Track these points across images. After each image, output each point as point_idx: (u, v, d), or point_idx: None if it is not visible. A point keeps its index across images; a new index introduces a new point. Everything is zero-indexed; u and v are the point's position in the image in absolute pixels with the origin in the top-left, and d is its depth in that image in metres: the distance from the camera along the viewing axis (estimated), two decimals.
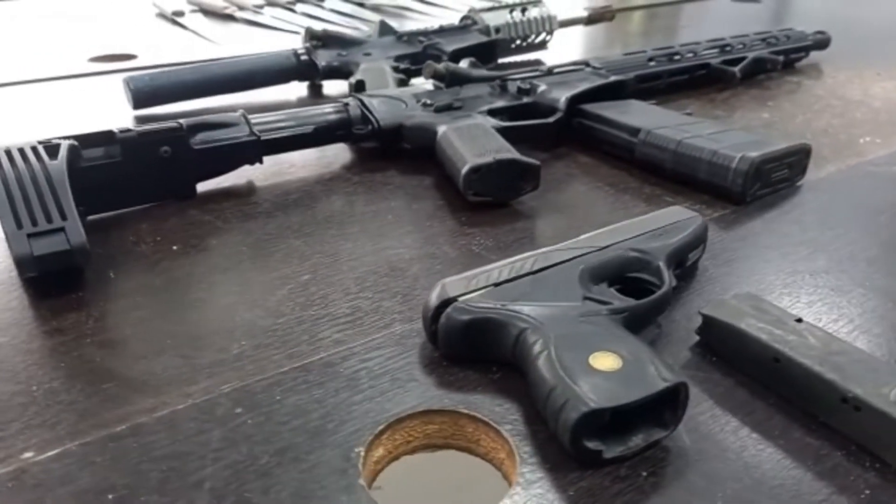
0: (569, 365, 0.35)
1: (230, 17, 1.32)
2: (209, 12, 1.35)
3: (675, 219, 0.50)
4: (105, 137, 0.57)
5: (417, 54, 0.94)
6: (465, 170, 0.59)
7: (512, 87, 0.76)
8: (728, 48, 0.96)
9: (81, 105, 0.87)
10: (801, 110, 0.86)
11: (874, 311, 0.47)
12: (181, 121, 0.60)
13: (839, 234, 0.56)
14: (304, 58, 0.91)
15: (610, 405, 0.33)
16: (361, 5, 1.37)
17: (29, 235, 0.46)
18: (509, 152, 0.61)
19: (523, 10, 1.05)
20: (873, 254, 0.53)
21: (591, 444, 0.34)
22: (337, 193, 0.64)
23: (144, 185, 0.60)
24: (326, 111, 0.68)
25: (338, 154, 0.72)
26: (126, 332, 0.44)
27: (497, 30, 1.02)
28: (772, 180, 0.63)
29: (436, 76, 0.74)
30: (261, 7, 1.36)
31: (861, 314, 0.46)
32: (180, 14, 1.33)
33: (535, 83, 0.76)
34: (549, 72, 0.79)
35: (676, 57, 0.91)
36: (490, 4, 1.12)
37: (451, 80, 0.75)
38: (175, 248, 0.54)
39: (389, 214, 0.60)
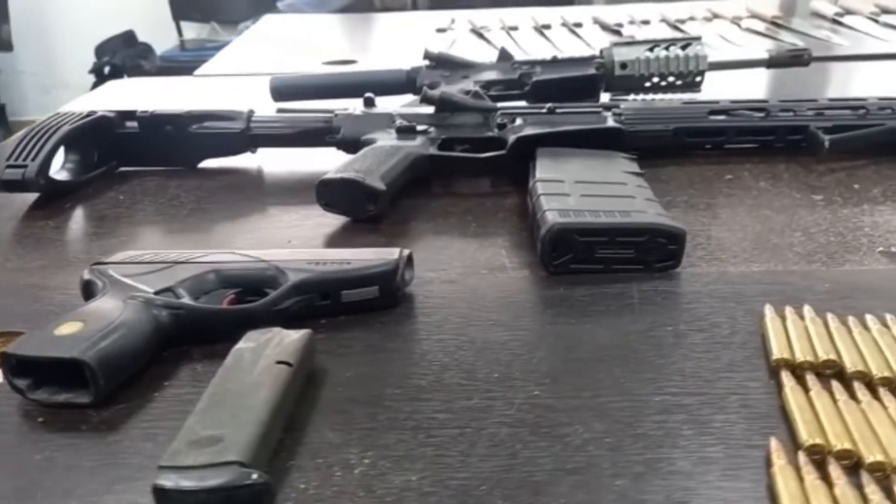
0: (52, 323, 0.45)
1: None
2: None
3: (365, 257, 0.52)
4: (131, 114, 0.80)
5: (512, 81, 0.97)
6: (318, 181, 0.66)
7: (494, 120, 0.77)
8: (862, 111, 0.77)
9: None
10: (865, 201, 0.66)
11: None
12: (185, 110, 0.80)
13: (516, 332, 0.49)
14: (412, 76, 1.02)
15: (13, 352, 0.42)
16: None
17: (7, 166, 0.70)
18: (366, 175, 0.65)
19: (670, 47, 0.98)
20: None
21: (18, 382, 0.43)
22: (262, 189, 0.76)
23: (156, 153, 0.81)
24: (314, 118, 0.80)
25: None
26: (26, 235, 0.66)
27: (623, 65, 0.97)
28: (597, 256, 0.55)
29: (425, 100, 0.79)
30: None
31: None
32: (442, 31, 1.52)
33: (516, 119, 0.75)
34: (551, 111, 0.77)
35: (759, 114, 0.77)
36: None
37: (442, 106, 0.79)
38: (121, 198, 0.74)
39: (257, 213, 0.70)
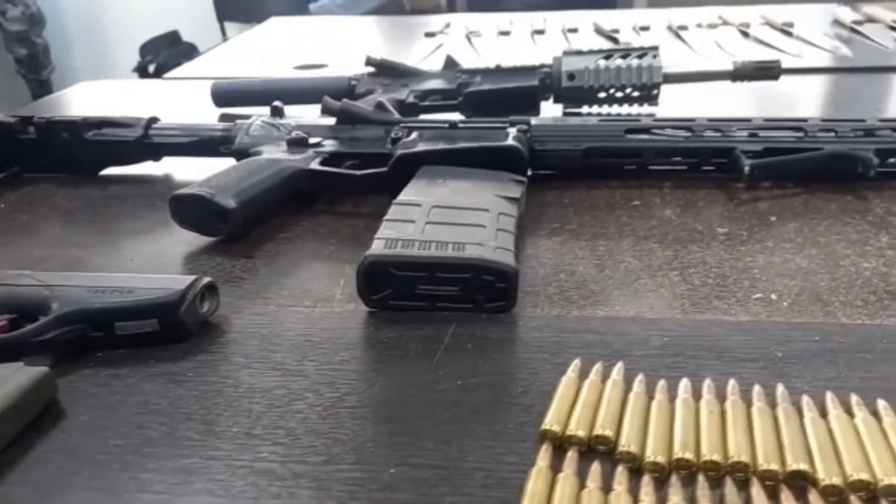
0: None
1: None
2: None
3: (152, 286, 0.47)
4: (28, 120, 0.78)
5: (450, 91, 0.91)
6: (171, 196, 0.62)
7: (391, 133, 0.71)
8: (801, 132, 0.68)
9: None
10: (772, 237, 0.58)
11: None
12: (82, 117, 0.77)
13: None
14: (353, 83, 0.97)
15: None
16: None
17: None
18: (218, 191, 0.61)
19: (626, 57, 0.91)
20: None
21: None
22: (144, 201, 0.72)
23: (55, 160, 0.79)
24: (212, 127, 0.77)
25: None
26: None
27: (571, 76, 0.91)
28: (419, 293, 0.49)
29: (325, 111, 0.75)
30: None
31: None
32: (432, 35, 1.48)
33: (412, 134, 0.70)
34: (453, 126, 0.71)
35: (684, 133, 0.70)
36: None
37: (343, 117, 0.74)
38: (2, 206, 0.72)
39: (121, 228, 0.67)
